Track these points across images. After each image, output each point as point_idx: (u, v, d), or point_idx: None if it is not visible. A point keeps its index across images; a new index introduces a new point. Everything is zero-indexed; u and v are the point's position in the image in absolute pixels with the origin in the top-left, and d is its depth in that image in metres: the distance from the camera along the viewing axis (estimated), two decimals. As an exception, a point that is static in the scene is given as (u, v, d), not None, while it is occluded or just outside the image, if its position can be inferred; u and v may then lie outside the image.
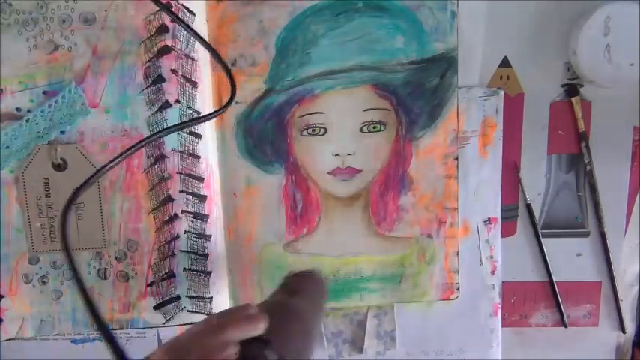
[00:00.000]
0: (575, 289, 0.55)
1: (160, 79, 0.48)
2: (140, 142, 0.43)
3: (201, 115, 0.49)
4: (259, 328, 0.34)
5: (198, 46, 0.49)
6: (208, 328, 0.33)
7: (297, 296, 0.42)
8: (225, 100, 0.50)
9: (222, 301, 0.53)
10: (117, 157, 0.41)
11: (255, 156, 0.51)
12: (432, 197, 0.52)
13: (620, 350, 0.56)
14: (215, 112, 0.47)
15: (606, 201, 0.53)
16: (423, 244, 0.52)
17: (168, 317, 0.51)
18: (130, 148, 0.42)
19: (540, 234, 0.53)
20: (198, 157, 0.50)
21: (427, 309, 0.54)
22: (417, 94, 0.50)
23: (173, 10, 0.47)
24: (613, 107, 0.51)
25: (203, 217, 0.51)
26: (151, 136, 0.45)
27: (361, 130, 0.51)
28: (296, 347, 0.36)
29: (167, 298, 0.51)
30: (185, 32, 0.48)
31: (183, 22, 0.47)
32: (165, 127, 0.49)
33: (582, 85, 0.51)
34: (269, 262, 0.53)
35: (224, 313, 0.36)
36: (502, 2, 0.49)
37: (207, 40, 0.50)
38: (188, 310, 0.51)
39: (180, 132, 0.49)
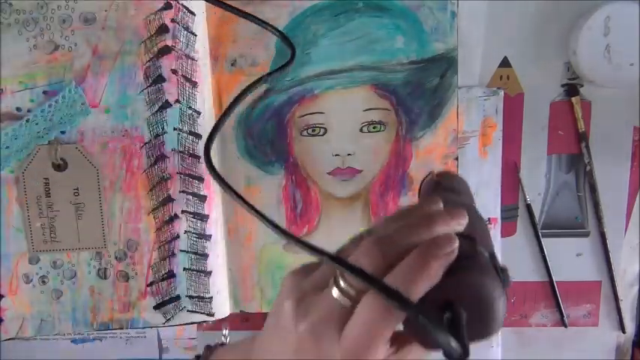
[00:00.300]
0: (575, 289, 0.55)
1: (160, 79, 0.48)
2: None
3: (198, 120, 0.49)
4: (462, 225, 0.30)
5: (198, 46, 0.49)
6: (416, 222, 0.29)
7: (460, 195, 0.37)
8: (225, 99, 0.51)
9: (222, 301, 0.53)
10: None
11: (255, 156, 0.52)
12: (432, 197, 0.51)
13: (620, 350, 0.56)
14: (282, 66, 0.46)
15: (606, 201, 0.53)
16: (423, 244, 0.52)
17: (168, 317, 0.51)
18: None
19: (540, 234, 0.53)
20: (199, 157, 0.50)
21: (427, 309, 0.54)
22: (417, 94, 0.50)
23: (173, 10, 0.47)
24: (613, 107, 0.51)
25: (203, 217, 0.51)
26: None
27: (361, 130, 0.51)
28: (491, 245, 0.32)
29: (167, 298, 0.51)
30: (185, 32, 0.48)
31: None
32: (165, 127, 0.49)
33: (582, 85, 0.51)
34: (269, 262, 0.53)
35: (416, 208, 0.32)
36: (502, 2, 0.49)
37: (207, 40, 0.50)
38: (188, 310, 0.51)
39: (180, 132, 0.49)
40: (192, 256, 0.51)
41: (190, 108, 0.49)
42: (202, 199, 0.50)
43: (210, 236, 0.51)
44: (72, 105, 0.48)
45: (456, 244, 0.28)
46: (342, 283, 0.28)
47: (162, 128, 0.49)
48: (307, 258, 0.54)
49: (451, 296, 0.27)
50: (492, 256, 0.30)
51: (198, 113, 0.49)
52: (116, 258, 0.51)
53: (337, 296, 0.27)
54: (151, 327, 0.52)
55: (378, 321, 0.26)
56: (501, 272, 0.29)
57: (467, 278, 0.28)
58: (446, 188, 0.38)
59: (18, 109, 0.48)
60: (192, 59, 0.49)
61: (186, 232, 0.50)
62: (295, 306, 0.29)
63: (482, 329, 0.27)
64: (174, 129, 0.49)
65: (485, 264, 0.29)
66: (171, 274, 0.51)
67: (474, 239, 0.30)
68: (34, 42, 0.48)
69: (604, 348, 0.56)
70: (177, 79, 0.49)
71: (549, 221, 0.54)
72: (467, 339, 0.25)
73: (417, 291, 0.26)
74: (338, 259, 0.26)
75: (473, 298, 0.27)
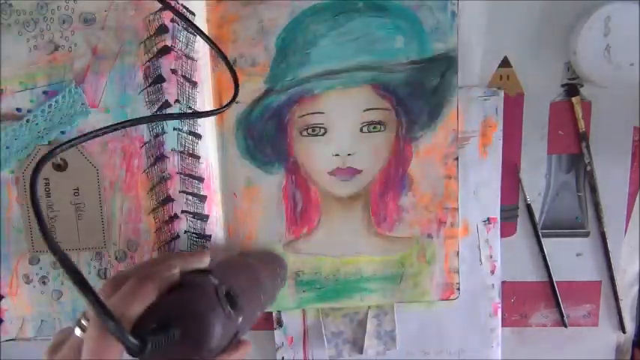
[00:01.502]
0: (575, 289, 0.55)
1: (159, 79, 0.48)
2: (126, 121, 0.38)
3: (201, 111, 0.49)
4: (203, 262, 0.35)
5: (198, 46, 0.49)
6: (153, 259, 0.35)
7: (249, 257, 0.44)
8: (225, 100, 0.50)
9: (222, 301, 0.53)
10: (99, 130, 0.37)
11: (255, 156, 0.52)
12: (432, 197, 0.52)
13: (620, 350, 0.56)
14: (217, 109, 0.47)
15: (606, 201, 0.53)
16: (423, 244, 0.52)
17: (168, 317, 0.51)
18: (111, 126, 0.37)
19: (540, 234, 0.53)
20: (198, 157, 0.50)
21: (427, 309, 0.54)
22: (417, 94, 0.50)
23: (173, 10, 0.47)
24: (613, 107, 0.51)
25: (203, 217, 0.51)
26: (147, 118, 0.44)
27: (361, 130, 0.51)
28: (241, 285, 0.37)
29: (167, 298, 0.51)
30: (185, 32, 0.48)
31: (187, 19, 0.47)
32: (164, 127, 0.49)
33: (582, 85, 0.51)
34: (269, 262, 0.53)
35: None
36: (502, 2, 0.49)
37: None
38: (188, 310, 0.51)
39: (180, 132, 0.49)
40: (192, 256, 0.51)
41: (190, 108, 0.49)
42: (202, 199, 0.50)
43: (210, 236, 0.51)
44: (72, 105, 0.48)
45: (176, 270, 0.33)
46: (82, 320, 0.32)
47: (162, 128, 0.49)
48: (307, 258, 0.54)
49: (165, 313, 0.31)
50: (220, 285, 0.34)
51: (198, 113, 0.49)
52: (116, 258, 0.51)
53: (79, 334, 0.32)
54: (151, 327, 0.52)
55: (95, 339, 0.29)
56: (225, 297, 0.33)
57: (178, 296, 0.32)
58: (241, 253, 0.46)
59: (18, 109, 0.48)
60: (192, 59, 0.49)
61: (186, 232, 0.50)
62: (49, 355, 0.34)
63: (196, 342, 0.31)
64: (174, 129, 0.49)
65: (205, 288, 0.33)
66: (171, 274, 0.51)
67: (209, 272, 0.35)
68: (34, 42, 0.48)
69: (604, 348, 0.56)
70: (177, 79, 0.49)
71: (549, 221, 0.54)
72: (158, 344, 0.29)
73: (133, 308, 0.30)
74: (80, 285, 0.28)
75: (183, 314, 0.31)
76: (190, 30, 0.48)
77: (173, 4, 0.47)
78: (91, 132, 0.36)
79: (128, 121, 0.39)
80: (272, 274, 0.46)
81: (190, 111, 0.49)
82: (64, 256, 0.26)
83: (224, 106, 0.47)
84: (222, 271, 0.36)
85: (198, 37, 0.49)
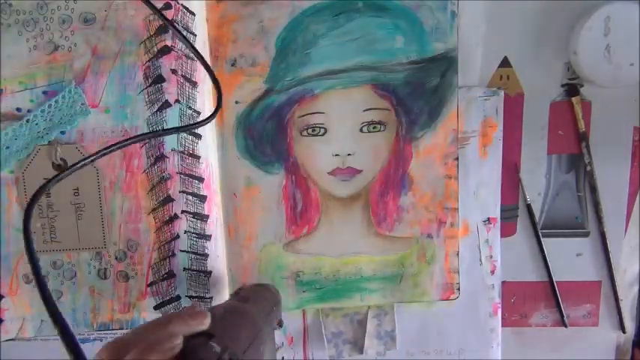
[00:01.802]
0: (575, 289, 0.55)
1: (159, 79, 0.48)
2: (131, 138, 0.41)
3: (198, 120, 0.49)
4: (204, 324, 0.34)
5: (198, 46, 0.49)
6: (153, 323, 0.33)
7: (247, 302, 0.43)
8: (225, 100, 0.50)
9: (222, 301, 0.53)
10: (106, 148, 0.39)
11: (255, 156, 0.52)
12: (432, 197, 0.52)
13: (620, 350, 0.56)
14: (205, 119, 0.46)
15: (606, 201, 0.53)
16: (423, 244, 0.52)
17: (168, 317, 0.51)
18: (121, 142, 0.40)
19: (540, 234, 0.53)
20: (198, 157, 0.50)
21: (427, 309, 0.54)
22: (417, 94, 0.50)
23: (173, 10, 0.47)
24: (613, 107, 0.51)
25: (203, 217, 0.51)
26: (146, 134, 0.44)
27: (361, 130, 0.51)
28: (242, 343, 0.37)
29: (167, 298, 0.51)
30: (185, 32, 0.48)
31: (176, 27, 0.47)
32: (164, 126, 0.49)
33: (582, 85, 0.51)
34: (269, 262, 0.53)
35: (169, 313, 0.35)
36: (502, 2, 0.49)
37: (207, 39, 0.50)
38: (188, 310, 0.51)
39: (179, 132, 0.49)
40: (192, 256, 0.51)
41: (190, 108, 0.49)
42: (202, 199, 0.50)
43: (210, 236, 0.51)
44: (72, 105, 0.48)
45: (178, 340, 0.31)
46: None
47: (162, 128, 0.49)
48: (307, 258, 0.54)
49: None
50: (223, 353, 0.33)
51: (198, 113, 0.49)
52: (116, 258, 0.51)
53: None
54: (151, 327, 0.52)
55: None
56: None
57: None
58: (239, 297, 0.45)
59: (18, 109, 0.48)
60: (192, 59, 0.49)
61: (186, 232, 0.50)
62: None
63: None
64: (174, 129, 0.49)
65: (208, 358, 0.32)
66: (171, 274, 0.51)
67: (211, 336, 0.34)
68: (34, 42, 0.48)
69: (604, 348, 0.56)
70: (177, 79, 0.49)
71: (549, 221, 0.54)
72: None
73: None
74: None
75: None
76: (190, 30, 0.48)
77: (173, 4, 0.47)
78: (103, 149, 0.37)
79: (138, 136, 0.40)
80: (269, 318, 0.46)
81: (190, 111, 0.49)
82: (68, 334, 0.25)
83: (207, 118, 0.46)
84: (223, 330, 0.36)
85: (197, 37, 0.49)
